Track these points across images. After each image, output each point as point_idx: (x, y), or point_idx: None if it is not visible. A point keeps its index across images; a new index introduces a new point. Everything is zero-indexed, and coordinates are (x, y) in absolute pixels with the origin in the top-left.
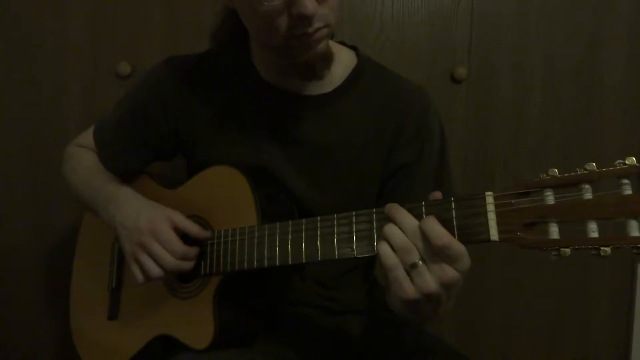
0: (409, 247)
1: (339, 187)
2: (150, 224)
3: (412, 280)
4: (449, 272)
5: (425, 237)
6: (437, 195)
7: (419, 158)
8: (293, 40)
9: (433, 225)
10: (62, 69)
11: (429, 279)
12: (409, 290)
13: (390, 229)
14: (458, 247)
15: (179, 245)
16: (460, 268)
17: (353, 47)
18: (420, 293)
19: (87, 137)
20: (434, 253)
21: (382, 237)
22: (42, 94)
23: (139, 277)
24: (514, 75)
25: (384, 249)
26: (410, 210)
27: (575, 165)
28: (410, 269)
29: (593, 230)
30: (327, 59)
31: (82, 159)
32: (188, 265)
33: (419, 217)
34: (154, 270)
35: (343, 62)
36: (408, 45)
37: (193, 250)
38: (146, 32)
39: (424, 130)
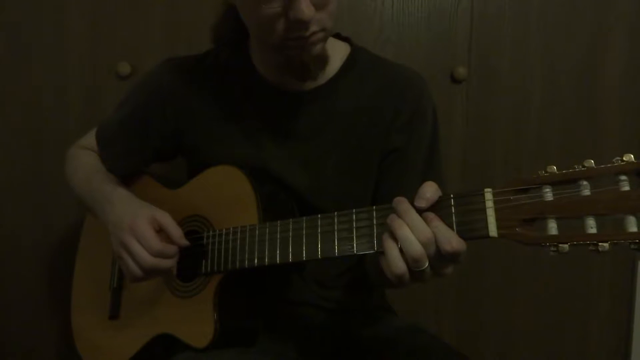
0: (423, 256)
1: (341, 178)
2: (131, 222)
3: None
4: (447, 269)
5: (436, 243)
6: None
7: (410, 142)
8: (289, 41)
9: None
10: (62, 69)
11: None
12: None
13: (404, 234)
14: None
15: (154, 242)
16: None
17: (347, 39)
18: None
19: (90, 138)
20: (441, 256)
21: (393, 235)
22: (42, 94)
23: (128, 276)
24: (514, 75)
25: (394, 256)
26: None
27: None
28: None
29: (591, 226)
30: (323, 60)
31: (83, 160)
32: (166, 263)
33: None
34: (134, 269)
35: (338, 54)
36: (408, 45)
37: (170, 248)
38: (146, 32)
39: (417, 114)
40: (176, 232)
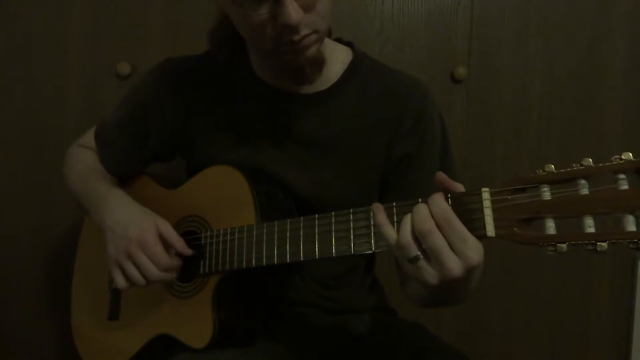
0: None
1: (340, 183)
2: (139, 233)
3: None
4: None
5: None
6: (442, 176)
7: (421, 147)
8: (282, 46)
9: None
10: (62, 69)
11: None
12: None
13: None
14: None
15: (164, 259)
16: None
17: (349, 43)
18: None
19: (89, 137)
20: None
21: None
22: (42, 94)
23: (120, 282)
24: (514, 75)
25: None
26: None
27: None
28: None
29: (589, 225)
30: (318, 63)
31: (81, 158)
32: (171, 276)
33: None
34: (138, 278)
35: (339, 59)
36: (408, 45)
37: (177, 262)
38: (146, 32)
39: (423, 119)
40: (179, 243)
